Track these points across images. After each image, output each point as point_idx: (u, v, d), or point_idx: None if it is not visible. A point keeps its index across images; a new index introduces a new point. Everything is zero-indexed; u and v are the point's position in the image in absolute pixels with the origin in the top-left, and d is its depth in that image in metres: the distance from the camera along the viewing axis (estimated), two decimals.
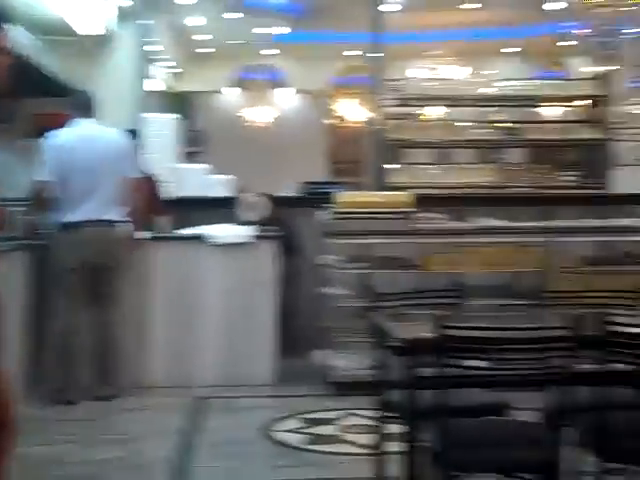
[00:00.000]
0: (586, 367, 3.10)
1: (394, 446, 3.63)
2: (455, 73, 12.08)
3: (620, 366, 3.28)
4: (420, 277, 6.14)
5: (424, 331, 3.46)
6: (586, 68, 9.19)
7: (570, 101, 9.21)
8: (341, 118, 15.34)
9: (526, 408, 3.64)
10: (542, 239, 6.17)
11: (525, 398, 3.58)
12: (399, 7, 11.01)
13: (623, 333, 3.08)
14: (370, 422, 4.84)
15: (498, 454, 3.05)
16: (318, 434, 5.15)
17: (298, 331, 6.94)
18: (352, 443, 4.93)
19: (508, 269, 6.30)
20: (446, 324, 2.97)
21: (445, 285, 6.03)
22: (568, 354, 2.98)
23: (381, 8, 8.25)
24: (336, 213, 6.33)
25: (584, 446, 3.20)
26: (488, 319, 4.00)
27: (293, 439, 5.02)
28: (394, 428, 3.63)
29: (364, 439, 4.70)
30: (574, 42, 8.47)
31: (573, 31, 7.94)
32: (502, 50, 13.34)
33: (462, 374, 3.19)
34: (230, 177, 8.17)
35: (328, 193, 6.56)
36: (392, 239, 6.26)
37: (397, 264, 6.33)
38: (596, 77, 8.80)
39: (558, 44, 11.22)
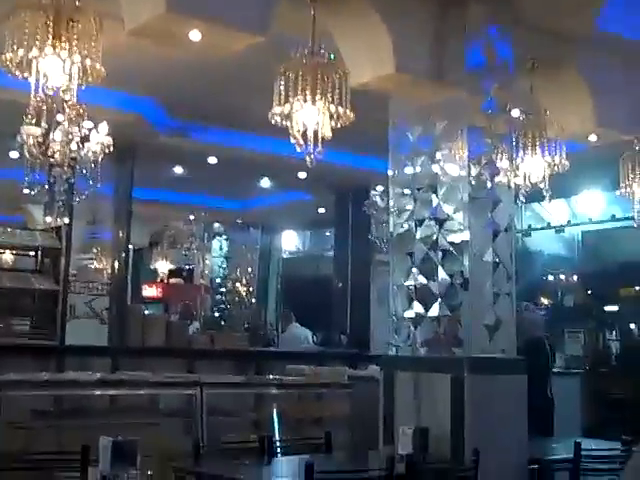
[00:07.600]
0: None
1: None
2: None
3: None
4: None
5: None
6: (44, 218, 9.23)
7: (26, 250, 9.13)
8: None
9: None
10: None
11: None
12: None
13: None
14: None
15: None
16: None
17: None
18: None
19: None
20: None
21: None
22: None
23: None
24: None
25: None
26: None
27: None
28: None
29: None
30: (34, 191, 8.49)
31: (38, 182, 7.89)
32: None
33: None
34: None
35: None
36: None
37: None
38: (51, 229, 8.85)
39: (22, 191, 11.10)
